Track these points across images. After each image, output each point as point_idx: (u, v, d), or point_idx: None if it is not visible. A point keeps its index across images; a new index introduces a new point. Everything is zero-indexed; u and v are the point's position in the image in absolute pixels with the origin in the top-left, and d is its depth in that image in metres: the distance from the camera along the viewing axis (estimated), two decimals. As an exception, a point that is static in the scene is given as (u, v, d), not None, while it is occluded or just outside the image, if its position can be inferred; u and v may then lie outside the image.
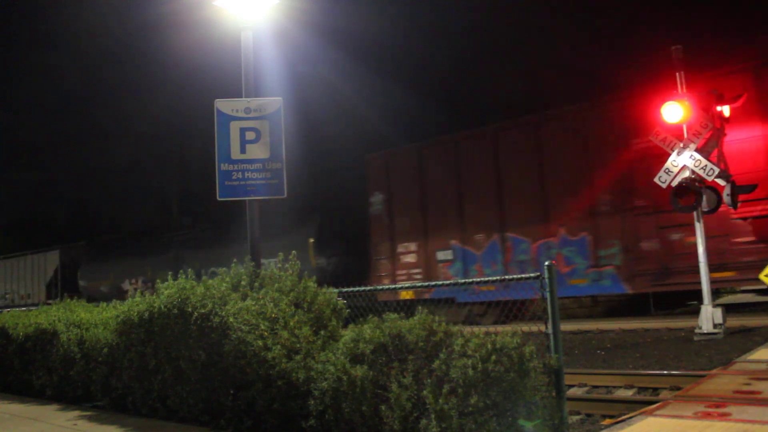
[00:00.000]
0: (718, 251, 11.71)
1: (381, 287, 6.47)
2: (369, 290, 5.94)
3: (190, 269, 6.38)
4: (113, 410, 6.79)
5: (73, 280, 26.29)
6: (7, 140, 43.08)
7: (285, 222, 18.95)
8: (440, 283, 11.26)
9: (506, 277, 4.95)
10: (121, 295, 20.57)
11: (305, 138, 25.99)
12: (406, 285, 15.44)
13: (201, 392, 5.62)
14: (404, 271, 16.61)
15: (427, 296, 15.21)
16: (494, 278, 5.00)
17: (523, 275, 4.73)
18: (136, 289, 20.46)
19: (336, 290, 6.00)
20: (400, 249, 16.80)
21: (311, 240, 18.10)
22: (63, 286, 26.38)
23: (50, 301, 24.48)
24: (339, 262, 18.25)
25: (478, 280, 5.31)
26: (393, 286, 9.48)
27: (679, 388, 6.67)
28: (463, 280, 6.78)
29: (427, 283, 13.62)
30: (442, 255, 16.03)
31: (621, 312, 15.75)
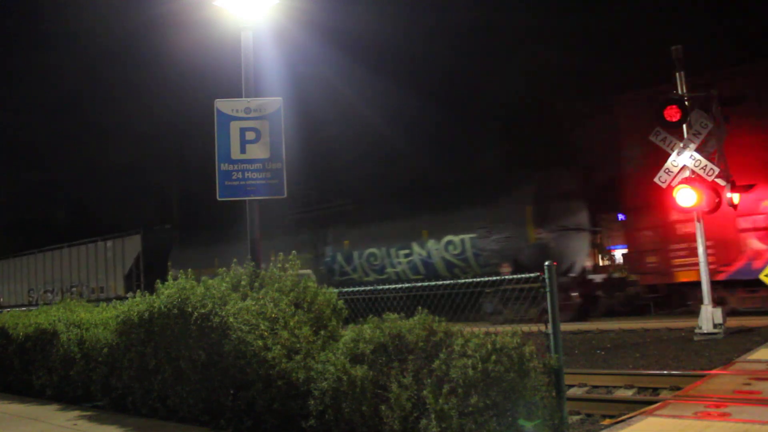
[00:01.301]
0: None
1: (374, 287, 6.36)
2: (368, 290, 5.93)
3: (188, 270, 6.37)
4: (113, 410, 6.79)
5: (161, 270, 19.53)
6: (7, 140, 43.14)
7: (486, 187, 15.79)
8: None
9: (504, 277, 4.94)
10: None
11: (510, 87, 22.58)
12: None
13: (201, 392, 5.62)
14: (684, 246, 13.07)
15: (721, 278, 12.38)
16: (483, 279, 4.99)
17: (522, 275, 4.71)
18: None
19: (336, 290, 6.00)
20: (677, 216, 12.97)
21: (529, 208, 14.58)
22: (146, 277, 22.26)
23: (130, 295, 21.46)
24: (566, 236, 14.95)
25: (470, 282, 5.27)
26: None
27: (679, 388, 6.67)
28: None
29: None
30: (747, 222, 12.50)
31: (621, 312, 15.69)
